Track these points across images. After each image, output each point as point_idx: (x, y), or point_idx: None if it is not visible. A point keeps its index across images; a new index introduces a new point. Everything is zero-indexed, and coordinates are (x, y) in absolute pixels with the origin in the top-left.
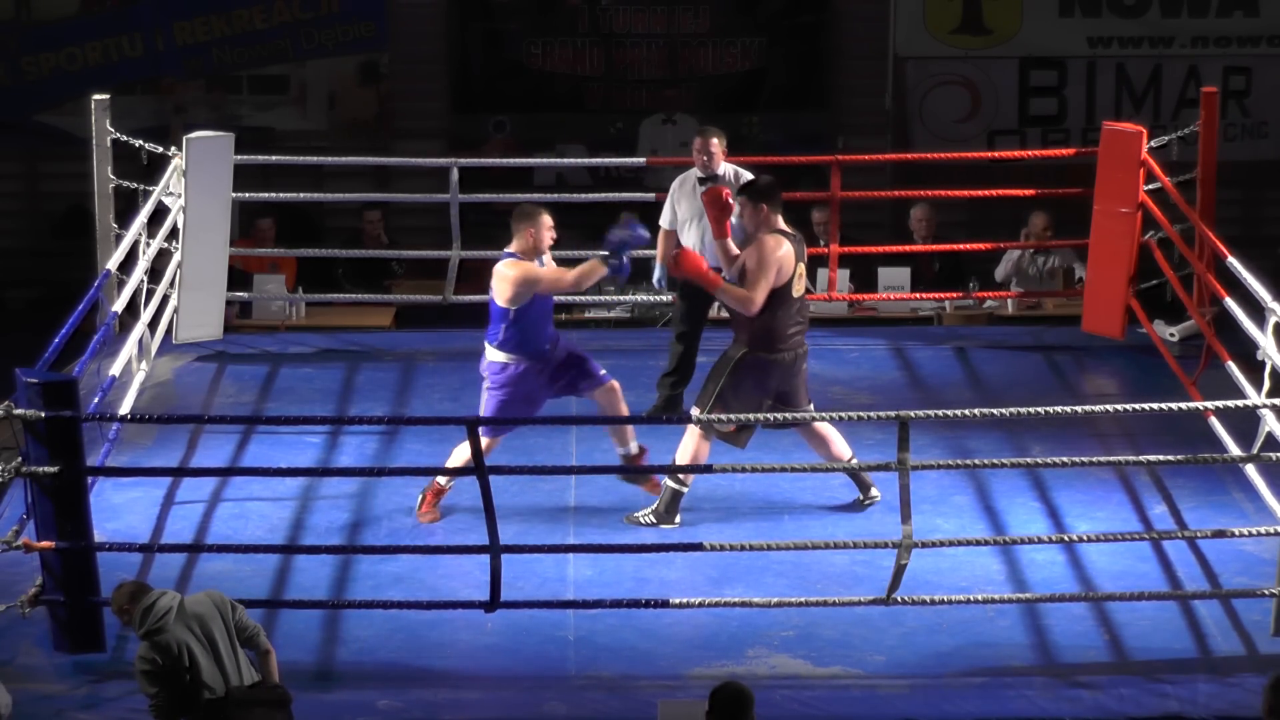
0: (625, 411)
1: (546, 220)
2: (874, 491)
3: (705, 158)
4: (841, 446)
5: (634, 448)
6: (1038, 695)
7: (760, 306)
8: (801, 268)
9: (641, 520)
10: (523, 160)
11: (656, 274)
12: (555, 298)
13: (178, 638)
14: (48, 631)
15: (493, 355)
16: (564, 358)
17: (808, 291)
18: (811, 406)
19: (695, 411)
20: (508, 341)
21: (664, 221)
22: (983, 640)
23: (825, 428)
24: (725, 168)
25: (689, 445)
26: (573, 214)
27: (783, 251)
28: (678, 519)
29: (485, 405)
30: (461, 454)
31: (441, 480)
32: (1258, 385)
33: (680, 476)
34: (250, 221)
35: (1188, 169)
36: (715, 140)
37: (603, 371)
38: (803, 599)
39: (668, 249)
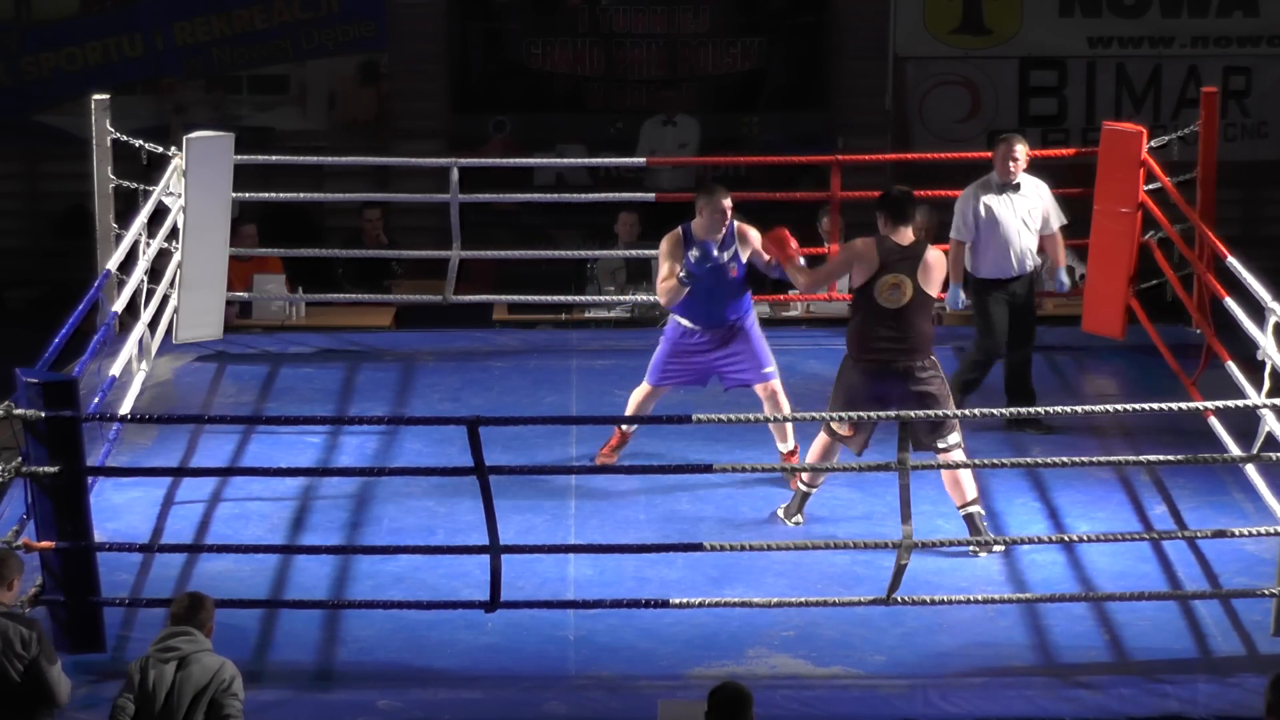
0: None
1: (719, 202)
2: (987, 539)
3: (1010, 164)
4: (966, 491)
5: (789, 445)
6: (1038, 695)
7: (822, 289)
8: (898, 279)
9: (779, 515)
10: (523, 160)
11: (949, 294)
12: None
13: (156, 679)
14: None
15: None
16: (737, 344)
17: (908, 307)
18: (949, 439)
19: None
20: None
21: (955, 233)
22: (983, 640)
23: (961, 471)
24: (1024, 178)
25: (815, 446)
26: (572, 214)
27: (864, 250)
28: (798, 519)
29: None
30: (635, 398)
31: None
32: (1258, 385)
33: (807, 478)
34: (234, 227)
35: (1188, 169)
36: (1020, 147)
37: (768, 369)
38: (803, 599)
39: (962, 261)
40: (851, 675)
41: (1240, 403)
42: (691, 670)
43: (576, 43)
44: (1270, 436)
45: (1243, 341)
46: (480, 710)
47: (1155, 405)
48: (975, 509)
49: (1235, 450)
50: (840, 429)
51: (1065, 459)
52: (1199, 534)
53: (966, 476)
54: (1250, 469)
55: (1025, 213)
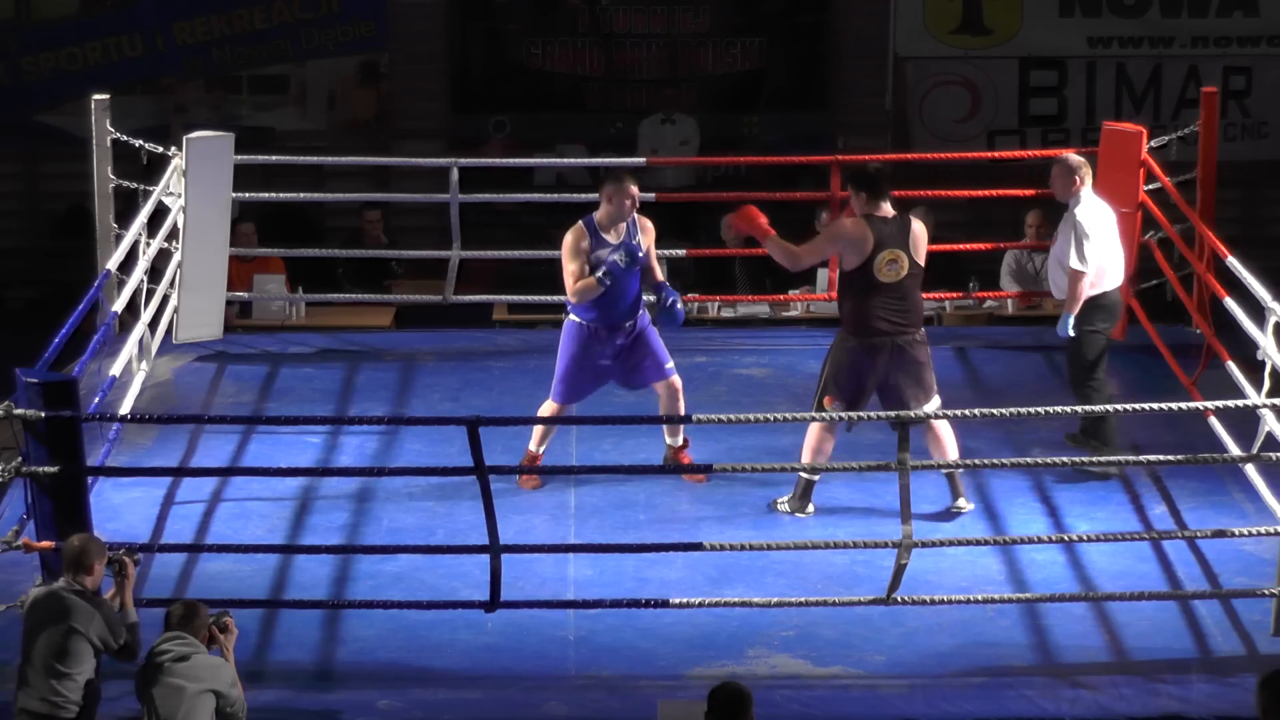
0: (682, 410)
1: (628, 189)
2: (961, 501)
3: (1063, 185)
4: (948, 448)
5: (679, 440)
6: (1038, 695)
7: (803, 266)
8: (895, 254)
9: (778, 507)
10: (523, 160)
11: (1061, 323)
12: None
13: (156, 683)
14: None
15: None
16: (638, 342)
17: (905, 281)
18: (932, 403)
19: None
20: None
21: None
22: (983, 640)
23: (942, 427)
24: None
25: (810, 436)
26: (572, 214)
27: (855, 231)
28: (810, 508)
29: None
30: (543, 415)
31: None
32: (1258, 385)
33: (810, 472)
34: (233, 227)
35: (1188, 169)
36: (1069, 166)
37: (669, 365)
38: (803, 599)
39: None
40: (851, 675)
41: (1240, 403)
42: (691, 670)
43: (576, 43)
44: (1270, 436)
45: (1243, 341)
46: (480, 710)
47: (1155, 405)
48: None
49: (1235, 450)
50: (832, 407)
51: (1065, 459)
52: (1199, 534)
53: (949, 435)
54: (1250, 469)
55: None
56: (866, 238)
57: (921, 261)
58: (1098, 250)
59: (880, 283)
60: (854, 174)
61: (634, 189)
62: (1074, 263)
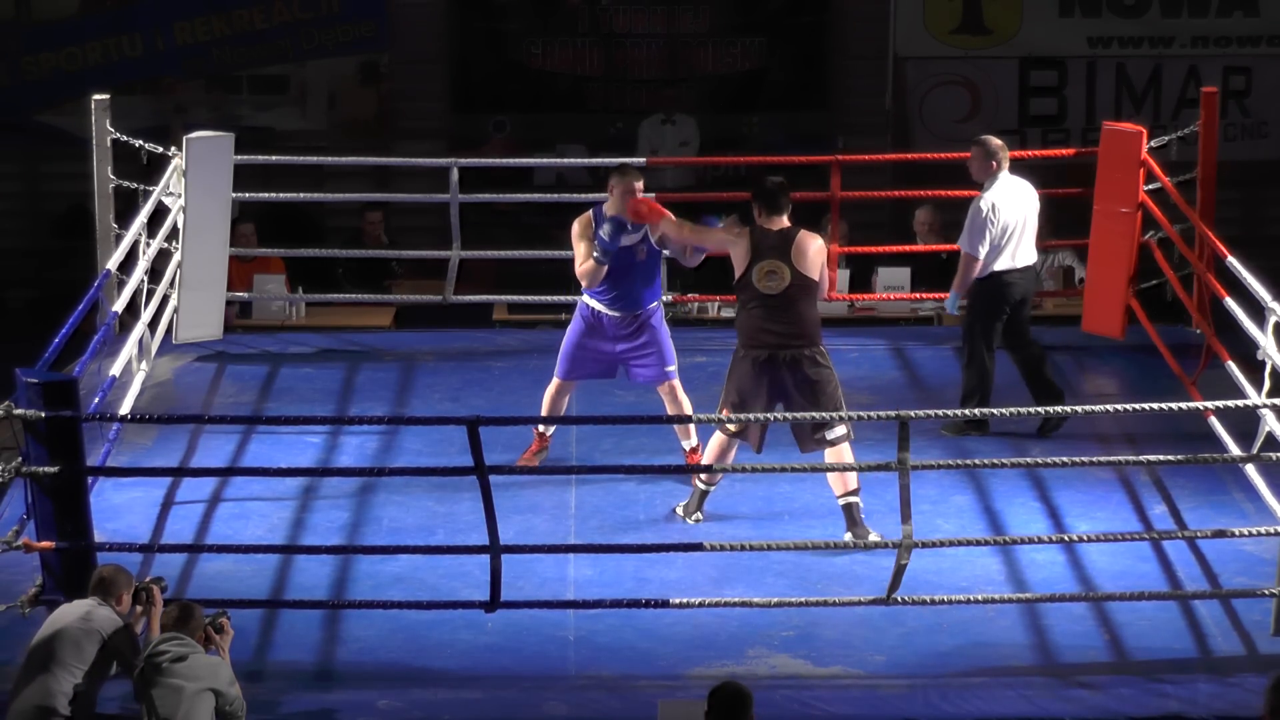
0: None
1: (630, 183)
2: (864, 531)
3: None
4: (848, 479)
5: (692, 442)
6: (1038, 695)
7: (692, 250)
8: (774, 265)
9: (677, 512)
10: (523, 160)
11: (949, 300)
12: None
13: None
14: None
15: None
16: (643, 338)
17: (788, 293)
18: (837, 431)
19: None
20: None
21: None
22: (983, 640)
23: (845, 454)
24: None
25: (712, 445)
26: (572, 214)
27: (738, 238)
28: (698, 516)
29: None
30: (547, 395)
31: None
32: (1258, 385)
33: (705, 476)
34: (233, 227)
35: (1188, 169)
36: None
37: (670, 368)
38: (803, 599)
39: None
40: (851, 675)
41: (1240, 403)
42: (691, 670)
43: (576, 43)
44: (1270, 436)
45: (1243, 341)
46: (480, 710)
47: (1155, 405)
48: (854, 499)
49: (1235, 450)
50: (732, 426)
51: (1065, 459)
52: (1199, 534)
53: (850, 463)
54: (1250, 469)
55: None
56: (746, 246)
57: (812, 274)
58: (997, 235)
59: (760, 293)
60: (753, 186)
61: (636, 183)
62: (964, 245)
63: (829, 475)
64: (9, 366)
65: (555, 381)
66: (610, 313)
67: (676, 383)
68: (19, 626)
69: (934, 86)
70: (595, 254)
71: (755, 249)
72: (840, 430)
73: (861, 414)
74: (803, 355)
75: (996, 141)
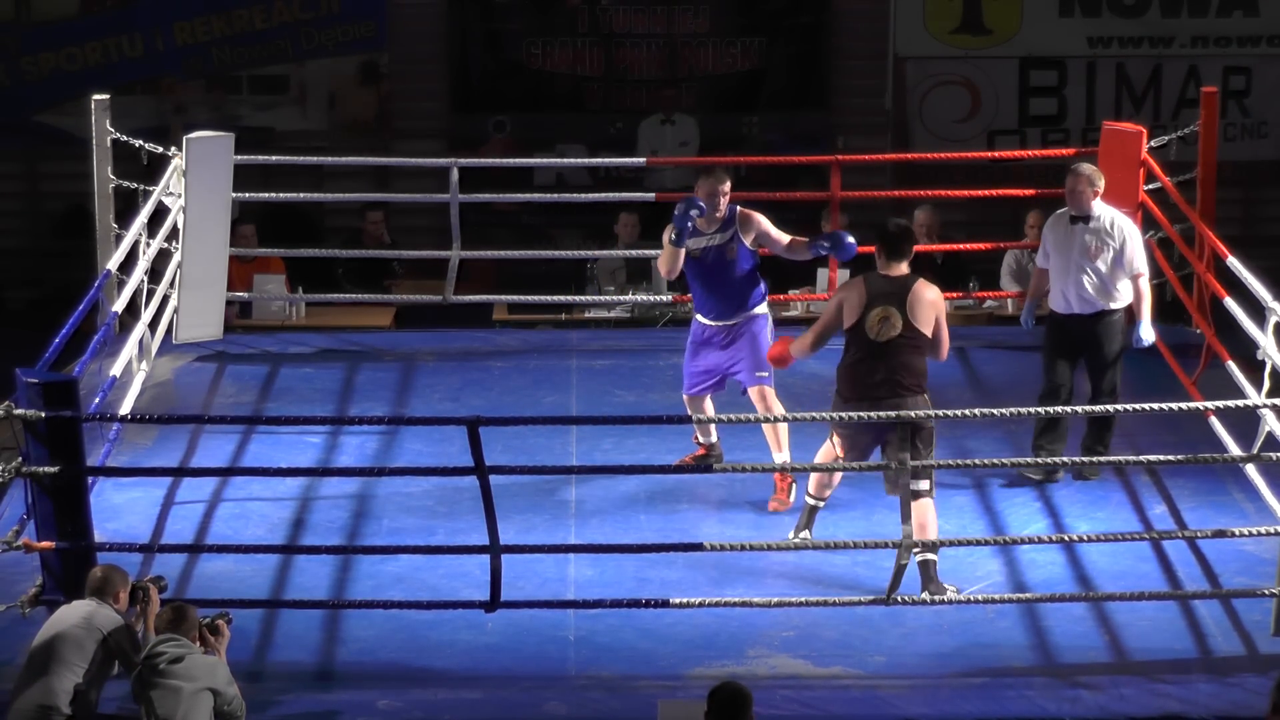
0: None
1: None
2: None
3: (1076, 195)
4: (930, 533)
5: (783, 455)
6: (1038, 695)
7: (808, 347)
8: (887, 312)
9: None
10: (523, 160)
11: (1024, 314)
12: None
13: (145, 690)
14: None
15: None
16: (740, 343)
17: (894, 341)
18: (923, 483)
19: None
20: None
21: (1039, 260)
22: (983, 640)
23: (926, 516)
24: (1102, 209)
25: (820, 454)
26: (572, 214)
27: (853, 289)
28: (805, 534)
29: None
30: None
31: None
32: (1258, 385)
33: (814, 490)
34: (233, 227)
35: (1188, 169)
36: (1086, 177)
37: (761, 373)
38: (803, 599)
39: (1039, 286)
40: (851, 675)
41: (1240, 403)
42: (691, 670)
43: (576, 43)
44: (1270, 436)
45: (1243, 341)
46: (480, 710)
47: (1155, 405)
48: (931, 556)
49: (1235, 450)
50: (836, 448)
51: (1065, 459)
52: (1199, 534)
53: (932, 522)
54: (1250, 469)
55: (1091, 248)
56: (861, 293)
57: (923, 329)
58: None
59: (870, 341)
60: (876, 230)
61: (721, 185)
62: (1142, 267)
63: (917, 531)
64: (9, 366)
65: (685, 396)
66: (708, 323)
67: (768, 389)
68: (19, 626)
69: (934, 86)
70: (670, 236)
71: (869, 295)
72: (924, 484)
73: (862, 414)
74: (904, 404)
75: (1090, 166)
